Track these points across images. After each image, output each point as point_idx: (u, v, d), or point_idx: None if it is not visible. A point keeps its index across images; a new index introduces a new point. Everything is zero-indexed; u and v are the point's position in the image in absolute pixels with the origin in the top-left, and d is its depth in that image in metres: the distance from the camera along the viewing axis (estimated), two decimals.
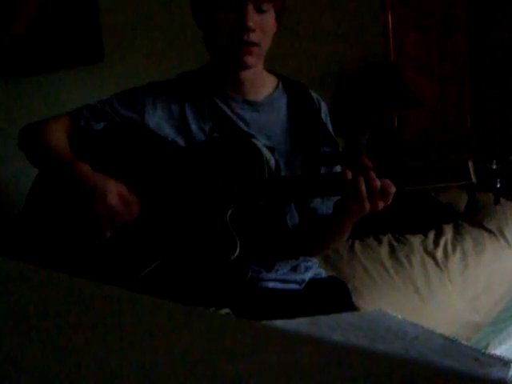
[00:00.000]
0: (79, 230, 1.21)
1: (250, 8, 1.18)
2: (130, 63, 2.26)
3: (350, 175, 1.13)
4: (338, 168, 1.34)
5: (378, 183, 1.11)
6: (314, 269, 1.39)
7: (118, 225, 1.19)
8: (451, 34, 3.40)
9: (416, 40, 3.28)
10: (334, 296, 1.37)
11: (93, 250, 1.21)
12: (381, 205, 1.13)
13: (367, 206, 1.12)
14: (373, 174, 1.12)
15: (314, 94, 1.38)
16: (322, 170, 1.30)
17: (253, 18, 1.18)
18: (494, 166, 1.15)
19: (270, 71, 1.36)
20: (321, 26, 2.85)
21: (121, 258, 1.21)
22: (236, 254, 1.14)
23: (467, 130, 3.48)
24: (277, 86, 1.35)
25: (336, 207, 1.21)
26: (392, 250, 2.10)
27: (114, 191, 1.18)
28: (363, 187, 1.11)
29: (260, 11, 1.20)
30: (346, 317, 0.91)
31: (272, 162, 1.26)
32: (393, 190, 1.12)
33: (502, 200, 1.31)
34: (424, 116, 3.30)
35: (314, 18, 2.81)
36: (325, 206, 1.32)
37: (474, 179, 1.13)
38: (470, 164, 1.14)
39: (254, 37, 1.19)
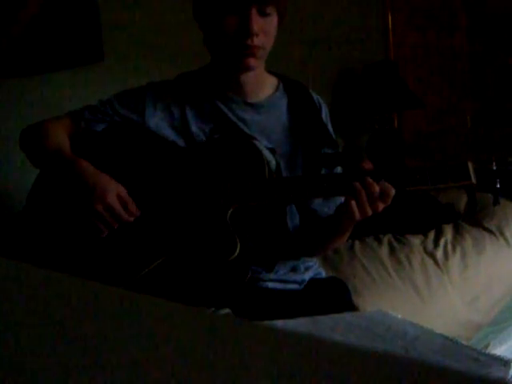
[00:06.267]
0: (77, 228, 1.21)
1: (254, 12, 1.17)
2: (130, 63, 2.26)
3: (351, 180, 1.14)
4: (339, 169, 1.34)
5: (376, 188, 1.12)
6: (313, 269, 1.40)
7: (114, 226, 1.19)
8: (451, 34, 3.40)
9: (416, 40, 3.28)
10: (334, 296, 1.37)
11: (93, 249, 1.21)
12: (381, 207, 1.14)
13: (368, 210, 1.13)
14: (371, 180, 1.13)
15: (315, 95, 1.38)
16: (323, 172, 1.30)
17: (257, 22, 1.17)
18: (494, 167, 1.15)
19: (271, 72, 1.36)
20: (321, 25, 2.85)
21: (121, 258, 1.21)
22: (236, 254, 1.15)
23: (467, 130, 3.48)
24: (277, 87, 1.35)
25: (338, 210, 1.22)
26: (392, 250, 2.10)
27: (114, 191, 1.18)
28: (363, 193, 1.12)
29: (264, 15, 1.19)
30: (346, 317, 0.91)
31: (273, 163, 1.26)
32: (392, 192, 1.13)
33: (502, 200, 1.31)
34: (424, 116, 3.30)
35: (314, 17, 2.81)
36: (326, 206, 1.32)
37: (473, 180, 1.13)
38: (470, 165, 1.14)
39: (257, 41, 1.19)
